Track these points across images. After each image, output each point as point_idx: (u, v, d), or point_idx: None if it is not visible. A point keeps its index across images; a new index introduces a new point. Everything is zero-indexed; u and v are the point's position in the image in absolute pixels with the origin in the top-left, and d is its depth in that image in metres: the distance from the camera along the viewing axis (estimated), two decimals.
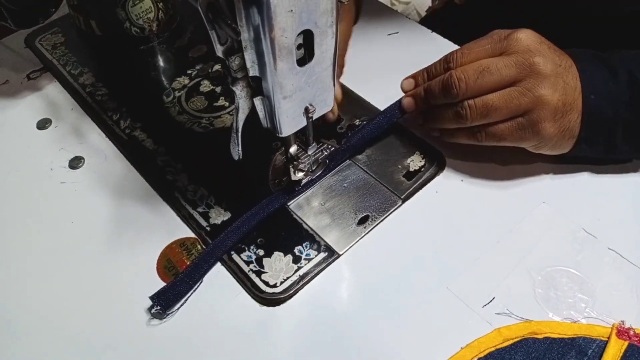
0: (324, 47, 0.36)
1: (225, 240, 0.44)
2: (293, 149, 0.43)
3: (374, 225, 0.45)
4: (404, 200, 0.47)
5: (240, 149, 0.40)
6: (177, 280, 0.42)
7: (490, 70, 0.43)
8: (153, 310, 0.40)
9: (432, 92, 0.46)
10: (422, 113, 0.49)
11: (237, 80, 0.36)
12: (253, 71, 0.36)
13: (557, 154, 0.46)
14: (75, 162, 0.51)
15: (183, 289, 0.42)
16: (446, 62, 0.46)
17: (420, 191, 0.47)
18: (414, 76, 0.50)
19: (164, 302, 0.41)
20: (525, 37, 0.43)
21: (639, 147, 0.44)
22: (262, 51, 0.34)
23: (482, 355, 0.38)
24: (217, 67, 0.58)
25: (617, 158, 0.46)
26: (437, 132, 0.48)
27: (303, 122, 0.40)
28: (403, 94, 0.50)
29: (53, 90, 0.58)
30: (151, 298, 0.41)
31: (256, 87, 0.37)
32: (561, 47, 0.45)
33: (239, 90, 0.37)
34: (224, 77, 0.37)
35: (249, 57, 0.35)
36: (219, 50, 0.34)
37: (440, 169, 0.48)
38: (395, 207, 0.46)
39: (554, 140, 0.43)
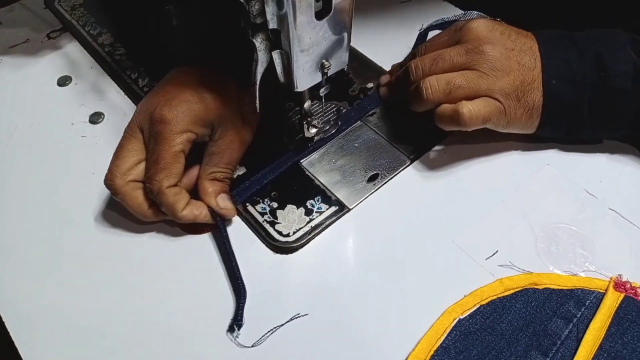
0: (341, 2, 0.38)
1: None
2: (307, 104, 0.45)
3: (383, 182, 0.47)
4: (412, 160, 0.48)
5: (258, 102, 0.41)
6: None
7: (443, 57, 0.45)
8: None
9: (397, 81, 0.50)
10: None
11: (257, 32, 0.37)
12: (273, 24, 0.37)
13: (524, 134, 0.47)
14: (95, 118, 0.53)
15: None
16: (413, 55, 0.50)
17: (429, 151, 0.49)
18: (390, 71, 0.53)
19: None
20: (477, 26, 0.45)
21: (606, 127, 0.45)
22: (282, 3, 0.35)
23: (484, 302, 0.40)
24: None
25: (584, 139, 0.47)
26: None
27: (318, 78, 0.42)
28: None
29: (73, 49, 0.60)
30: None
31: (275, 40, 0.39)
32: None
33: (259, 43, 0.38)
34: (244, 30, 0.38)
35: (270, 9, 0.36)
36: None
37: (449, 131, 0.50)
38: (404, 166, 0.48)
39: (522, 119, 0.45)
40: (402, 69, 0.49)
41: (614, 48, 0.43)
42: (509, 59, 0.44)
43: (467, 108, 0.43)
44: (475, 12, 0.51)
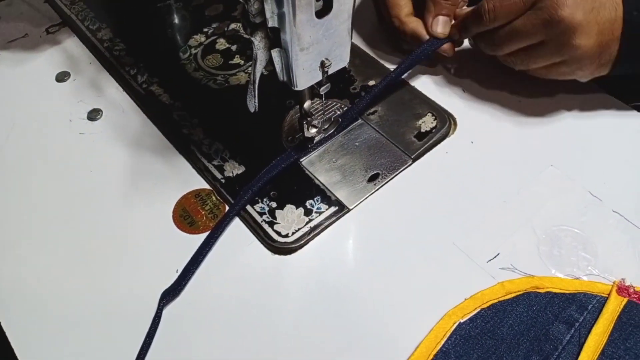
0: (342, 0, 0.37)
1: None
2: (307, 104, 0.44)
3: (383, 182, 0.46)
4: (414, 160, 0.48)
5: (256, 101, 0.41)
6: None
7: (518, 30, 0.44)
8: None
9: (465, 19, 0.49)
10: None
11: (256, 30, 0.37)
12: (272, 22, 0.36)
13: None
14: (94, 114, 0.52)
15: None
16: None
17: (431, 151, 0.48)
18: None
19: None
20: None
21: None
22: (282, 1, 0.35)
23: (485, 306, 0.39)
24: (232, 25, 0.59)
25: None
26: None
27: (318, 77, 0.41)
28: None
29: (71, 44, 0.59)
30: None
31: (274, 38, 0.38)
32: None
33: (258, 41, 0.38)
34: (244, 28, 0.38)
35: (269, 7, 0.35)
36: None
37: (451, 130, 0.49)
38: (406, 166, 0.47)
39: (594, 72, 0.46)
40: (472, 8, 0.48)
41: None
42: (589, 23, 0.42)
43: None
44: None
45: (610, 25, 0.43)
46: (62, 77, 0.56)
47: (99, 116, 0.52)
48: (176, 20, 0.61)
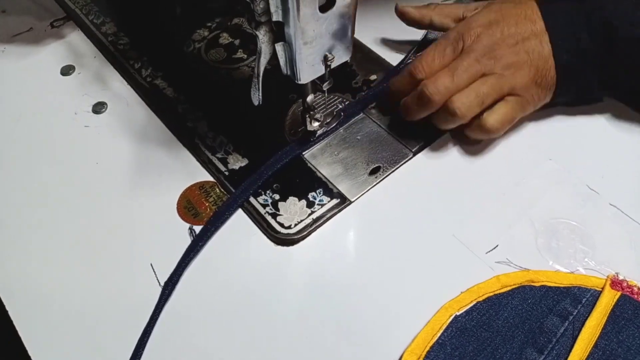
0: None
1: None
2: (310, 98, 0.45)
3: (385, 175, 0.47)
4: (415, 153, 0.48)
5: (260, 94, 0.41)
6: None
7: (458, 71, 0.44)
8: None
9: (409, 109, 0.47)
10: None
11: (261, 24, 0.37)
12: (276, 16, 0.37)
13: None
14: (99, 107, 0.53)
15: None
16: (412, 76, 0.47)
17: (431, 145, 0.49)
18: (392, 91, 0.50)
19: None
20: (479, 33, 0.45)
21: (612, 87, 0.47)
22: None
23: (481, 299, 0.40)
24: (236, 20, 0.59)
25: (590, 99, 0.49)
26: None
27: (321, 70, 0.42)
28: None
29: (76, 38, 0.60)
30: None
31: (278, 32, 0.38)
32: None
33: (262, 35, 0.38)
34: (248, 22, 0.38)
35: (274, 2, 0.36)
36: None
37: None
38: (406, 159, 0.48)
39: (543, 98, 0.47)
40: (415, 94, 0.46)
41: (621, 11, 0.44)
42: (518, 54, 0.45)
43: (492, 118, 0.45)
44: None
45: (540, 55, 0.45)
46: (67, 70, 0.57)
47: (103, 109, 0.53)
48: (180, 15, 0.61)
